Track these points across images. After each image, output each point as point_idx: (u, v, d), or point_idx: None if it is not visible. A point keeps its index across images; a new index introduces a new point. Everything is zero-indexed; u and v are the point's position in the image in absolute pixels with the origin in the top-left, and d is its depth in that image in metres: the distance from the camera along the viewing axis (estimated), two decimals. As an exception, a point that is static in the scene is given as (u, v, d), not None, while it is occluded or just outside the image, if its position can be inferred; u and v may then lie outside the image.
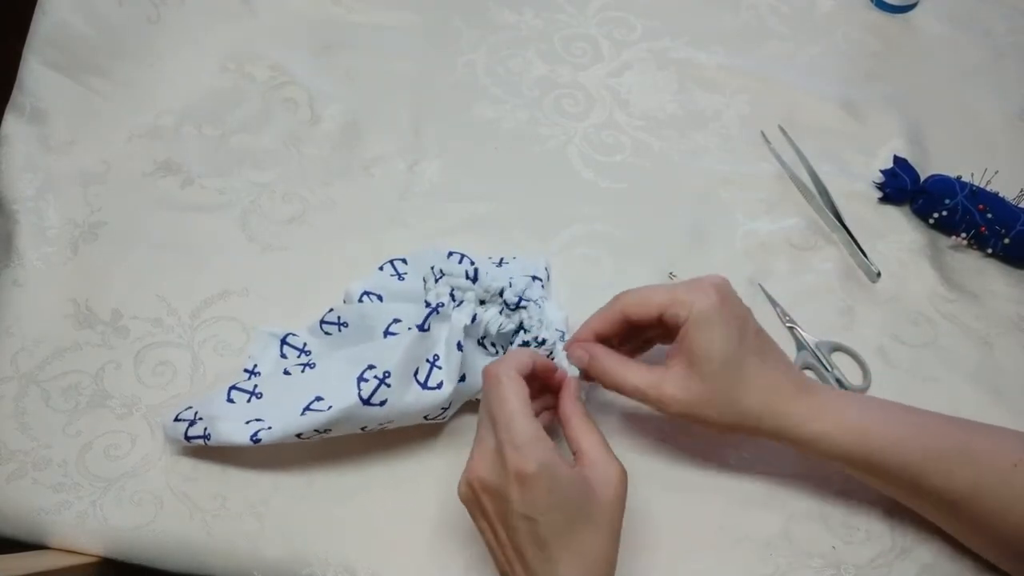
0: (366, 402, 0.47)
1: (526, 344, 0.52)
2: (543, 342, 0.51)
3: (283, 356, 0.54)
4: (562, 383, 0.48)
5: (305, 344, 0.54)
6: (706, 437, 0.55)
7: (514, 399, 0.42)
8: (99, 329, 0.56)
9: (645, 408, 0.56)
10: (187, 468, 0.52)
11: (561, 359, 0.50)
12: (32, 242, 0.58)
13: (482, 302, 0.53)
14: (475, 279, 0.53)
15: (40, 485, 0.51)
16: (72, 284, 0.58)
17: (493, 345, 0.53)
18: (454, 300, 0.52)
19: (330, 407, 0.47)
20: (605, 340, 0.50)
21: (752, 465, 0.54)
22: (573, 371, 0.49)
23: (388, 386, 0.47)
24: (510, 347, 0.53)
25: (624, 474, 0.43)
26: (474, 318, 0.51)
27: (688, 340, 0.46)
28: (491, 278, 0.54)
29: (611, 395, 0.56)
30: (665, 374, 0.47)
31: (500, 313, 0.52)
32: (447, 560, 0.50)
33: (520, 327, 0.53)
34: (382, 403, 0.47)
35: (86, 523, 0.50)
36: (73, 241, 0.59)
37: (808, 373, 0.58)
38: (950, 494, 0.46)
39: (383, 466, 0.53)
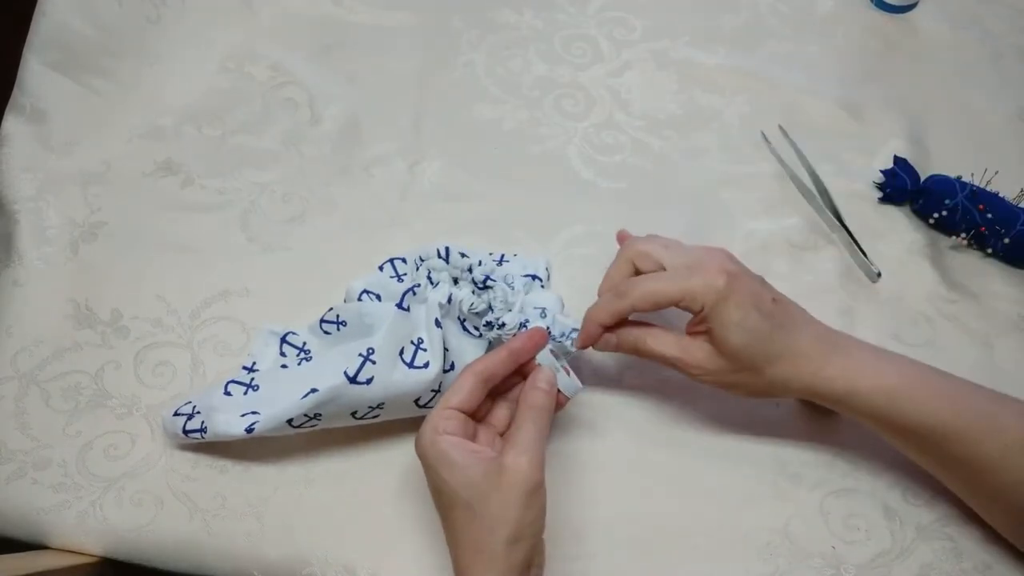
0: (352, 380, 0.47)
1: (490, 325, 0.52)
2: (503, 325, 0.51)
3: (282, 355, 0.54)
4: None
5: (305, 343, 0.54)
6: (705, 437, 0.55)
7: (448, 393, 0.46)
8: (99, 329, 0.56)
9: (645, 408, 0.56)
10: (187, 468, 0.52)
11: (541, 355, 0.50)
12: (32, 242, 0.58)
13: (456, 281, 0.54)
14: (447, 259, 0.54)
15: (40, 485, 0.51)
16: (72, 284, 0.58)
17: (476, 329, 0.53)
18: (431, 282, 0.53)
19: (316, 389, 0.47)
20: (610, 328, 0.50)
21: (752, 464, 0.54)
22: (546, 360, 0.49)
23: (373, 363, 0.48)
24: (482, 330, 0.53)
25: (524, 471, 0.42)
26: (450, 298, 0.52)
27: (707, 324, 0.47)
28: (462, 258, 0.55)
29: (612, 394, 0.56)
30: (692, 344, 0.48)
31: (472, 292, 0.53)
32: (447, 560, 0.50)
33: (489, 307, 0.53)
34: (369, 381, 0.48)
35: (86, 523, 0.50)
36: (73, 241, 0.59)
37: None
38: (976, 461, 0.46)
39: (383, 466, 0.53)
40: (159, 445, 0.52)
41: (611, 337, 0.50)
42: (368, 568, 0.50)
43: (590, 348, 0.51)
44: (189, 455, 0.52)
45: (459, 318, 0.53)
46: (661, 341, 0.49)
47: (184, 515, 0.50)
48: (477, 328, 0.53)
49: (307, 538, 0.50)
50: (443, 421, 0.45)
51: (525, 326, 0.51)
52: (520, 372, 0.49)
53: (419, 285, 0.52)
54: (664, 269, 0.49)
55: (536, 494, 0.43)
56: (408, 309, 0.50)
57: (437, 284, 0.54)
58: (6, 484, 0.51)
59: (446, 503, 0.44)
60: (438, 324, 0.50)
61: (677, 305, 0.47)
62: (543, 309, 0.53)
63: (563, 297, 0.59)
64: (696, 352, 0.48)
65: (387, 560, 0.50)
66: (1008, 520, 0.48)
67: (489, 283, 0.53)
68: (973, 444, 0.46)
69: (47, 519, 0.50)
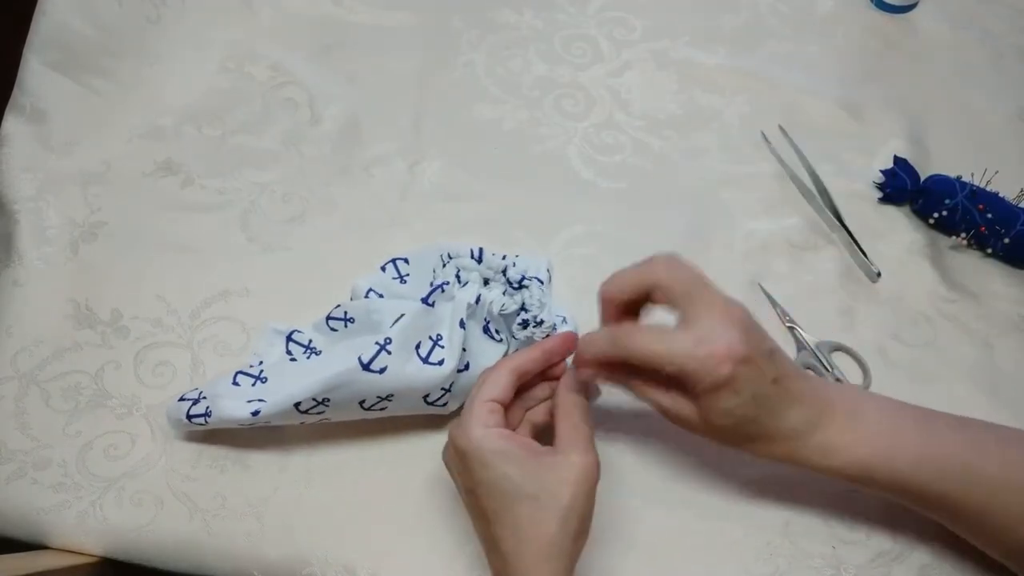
0: (366, 367, 0.47)
1: (525, 324, 0.52)
2: (541, 323, 0.51)
3: (288, 352, 0.54)
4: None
5: (311, 340, 0.54)
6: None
7: (486, 386, 0.46)
8: (99, 329, 0.56)
9: (646, 409, 0.56)
10: (187, 468, 0.52)
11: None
12: (32, 242, 0.58)
13: (486, 282, 0.53)
14: (480, 260, 0.54)
15: (40, 485, 0.51)
16: (72, 284, 0.58)
17: (498, 332, 0.53)
18: (459, 281, 0.53)
19: (328, 373, 0.47)
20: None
21: (752, 465, 0.54)
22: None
23: (388, 353, 0.48)
24: (515, 329, 0.53)
25: (590, 464, 0.43)
26: (479, 299, 0.51)
27: (697, 400, 0.44)
28: (496, 258, 0.54)
29: (614, 395, 0.56)
30: (681, 400, 0.45)
31: (503, 293, 0.53)
32: (447, 560, 0.50)
33: (522, 307, 0.53)
34: (382, 370, 0.47)
35: (86, 523, 0.50)
36: (73, 241, 0.59)
37: (808, 373, 0.58)
38: (966, 512, 0.46)
39: (384, 466, 0.53)
40: (159, 445, 0.52)
41: (602, 372, 0.48)
42: (368, 568, 0.50)
43: None
44: (189, 455, 0.52)
45: (485, 319, 0.53)
46: (652, 386, 0.46)
47: (184, 515, 0.50)
48: (499, 331, 0.53)
49: (307, 538, 0.50)
50: (489, 415, 0.44)
51: (555, 329, 0.52)
52: (544, 374, 0.49)
53: (448, 283, 0.52)
54: (675, 313, 0.45)
55: (595, 490, 0.43)
56: (433, 305, 0.50)
57: (466, 284, 0.53)
58: (6, 484, 0.51)
59: (504, 498, 0.42)
60: (463, 324, 0.50)
61: (674, 374, 0.44)
62: (564, 318, 0.53)
63: (563, 297, 0.59)
64: (684, 410, 0.45)
65: (387, 560, 0.50)
66: (1010, 560, 0.48)
67: (525, 283, 0.53)
68: (960, 498, 0.46)
69: (47, 519, 0.50)
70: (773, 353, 0.45)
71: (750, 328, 0.44)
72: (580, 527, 0.42)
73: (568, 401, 0.46)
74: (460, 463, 0.44)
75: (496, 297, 0.52)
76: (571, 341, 0.49)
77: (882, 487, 0.47)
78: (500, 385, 0.46)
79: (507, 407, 0.48)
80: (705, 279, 0.46)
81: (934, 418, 0.48)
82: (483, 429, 0.44)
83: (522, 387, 0.49)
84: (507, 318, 0.53)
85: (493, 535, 0.43)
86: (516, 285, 0.53)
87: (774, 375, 0.44)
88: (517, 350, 0.52)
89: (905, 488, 0.46)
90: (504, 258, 0.59)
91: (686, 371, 0.43)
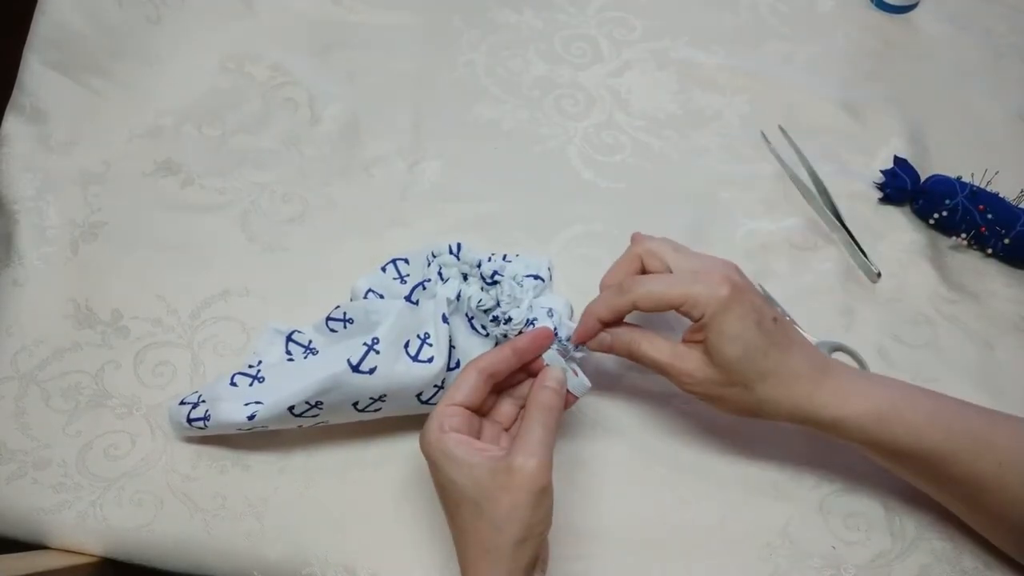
0: (355, 368, 0.47)
1: (496, 320, 0.52)
2: (509, 319, 0.51)
3: (288, 352, 0.54)
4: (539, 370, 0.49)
5: (311, 341, 0.54)
6: (706, 437, 0.55)
7: (451, 390, 0.46)
8: (99, 329, 0.56)
9: (647, 409, 0.56)
10: (187, 468, 0.52)
11: (548, 355, 0.49)
12: (32, 242, 0.58)
13: (465, 277, 0.54)
14: (458, 255, 0.54)
15: (40, 485, 0.51)
16: (72, 284, 0.58)
17: (484, 328, 0.53)
18: (442, 278, 0.53)
19: (319, 376, 0.47)
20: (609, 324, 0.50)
21: (752, 464, 0.54)
22: (553, 360, 0.49)
23: (377, 352, 0.48)
24: (488, 325, 0.53)
25: (532, 469, 0.42)
26: (459, 295, 0.52)
27: (704, 333, 0.46)
28: (472, 253, 0.54)
29: (615, 395, 0.56)
30: (685, 352, 0.47)
31: (481, 289, 0.53)
32: (447, 560, 0.50)
33: (498, 303, 0.53)
34: (372, 370, 0.48)
35: (86, 523, 0.50)
36: (73, 241, 0.59)
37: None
38: (972, 482, 0.46)
39: (383, 466, 0.53)
40: (159, 445, 0.52)
41: (606, 336, 0.49)
42: (368, 568, 0.50)
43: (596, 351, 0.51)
44: (189, 455, 0.52)
45: (467, 315, 0.53)
46: (655, 346, 0.48)
47: (184, 515, 0.50)
48: (484, 327, 0.53)
49: (307, 538, 0.50)
50: (448, 418, 0.45)
51: (532, 324, 0.51)
52: (526, 370, 0.49)
53: (429, 280, 0.52)
54: (670, 271, 0.48)
55: (544, 495, 0.43)
56: (417, 303, 0.51)
57: (447, 280, 0.53)
58: (6, 484, 0.51)
59: (452, 501, 0.44)
60: (445, 320, 0.50)
61: (677, 310, 0.47)
62: (550, 309, 0.53)
63: (562, 295, 0.59)
64: (688, 360, 0.47)
65: (387, 560, 0.50)
66: (1010, 538, 0.48)
67: (497, 278, 0.53)
68: (967, 465, 0.46)
69: (47, 519, 0.50)
70: (768, 301, 0.48)
71: (741, 272, 0.48)
72: (522, 534, 0.42)
73: (533, 401, 0.46)
74: (427, 463, 0.45)
75: (474, 292, 0.52)
76: (543, 337, 0.49)
77: (894, 447, 0.46)
78: (464, 388, 0.46)
79: (496, 404, 0.49)
80: (686, 247, 0.50)
81: (941, 394, 0.49)
82: (437, 433, 0.44)
83: (505, 384, 0.49)
84: (487, 312, 0.53)
85: (452, 533, 0.45)
86: (489, 280, 0.53)
87: (773, 315, 0.47)
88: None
89: (917, 448, 0.46)
90: (504, 256, 0.59)
91: (691, 298, 0.45)
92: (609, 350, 0.50)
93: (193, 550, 0.50)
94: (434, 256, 0.55)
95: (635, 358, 0.49)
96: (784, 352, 0.46)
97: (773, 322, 0.47)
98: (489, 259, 0.54)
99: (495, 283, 0.53)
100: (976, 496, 0.47)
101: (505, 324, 0.51)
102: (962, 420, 0.46)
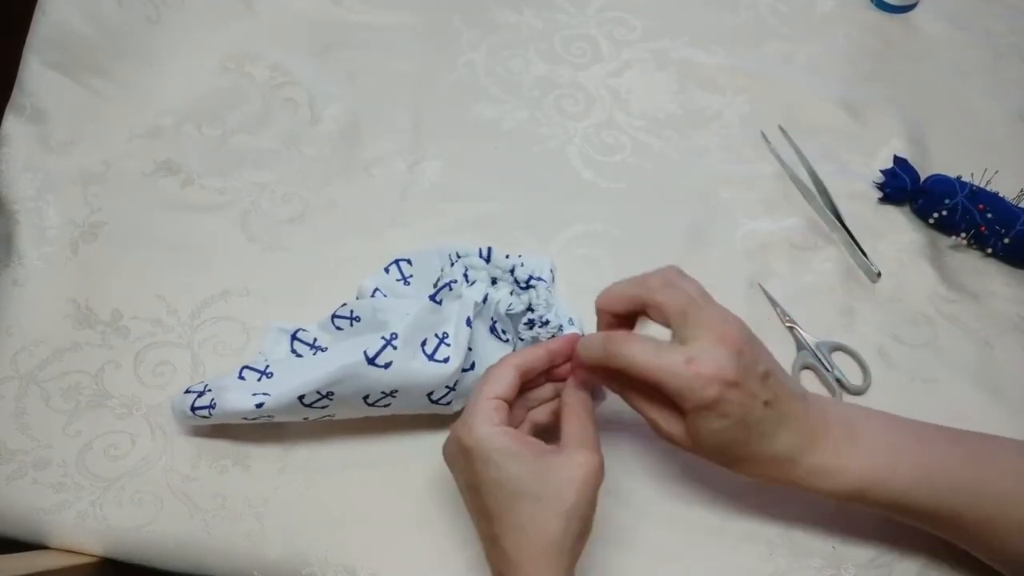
0: (371, 361, 0.47)
1: (531, 324, 0.52)
2: (546, 323, 0.51)
3: (294, 351, 0.54)
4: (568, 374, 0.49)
5: (316, 339, 0.54)
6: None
7: (491, 383, 0.45)
8: (99, 329, 0.56)
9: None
10: (187, 468, 0.52)
11: None
12: (32, 242, 0.58)
13: (494, 281, 0.53)
14: (488, 259, 0.54)
15: (40, 485, 0.51)
16: (72, 284, 0.58)
17: (505, 332, 0.53)
18: (467, 280, 0.53)
19: (334, 366, 0.47)
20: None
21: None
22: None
23: (394, 348, 0.48)
24: (521, 329, 0.53)
25: (595, 464, 0.43)
26: (486, 298, 0.51)
27: (687, 420, 0.44)
28: (503, 257, 0.54)
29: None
30: (671, 416, 0.45)
31: (511, 293, 0.53)
32: (447, 560, 0.50)
33: (529, 307, 0.53)
34: (387, 365, 0.47)
35: (86, 523, 0.50)
36: (73, 241, 0.59)
37: (808, 373, 0.58)
38: (966, 529, 0.46)
39: (385, 466, 0.53)
40: (159, 445, 0.52)
41: (597, 377, 0.48)
42: (368, 568, 0.50)
43: None
44: (189, 455, 0.52)
45: (491, 319, 0.53)
46: (644, 399, 0.46)
47: (184, 515, 0.50)
48: (506, 332, 0.53)
49: (307, 538, 0.50)
50: (494, 412, 0.44)
51: (561, 330, 0.52)
52: (547, 374, 0.49)
53: (455, 281, 0.52)
54: (669, 328, 0.45)
55: (598, 490, 0.43)
56: (440, 303, 0.50)
57: (473, 283, 0.53)
58: (6, 484, 0.51)
59: (505, 497, 0.42)
60: (469, 323, 0.50)
61: (663, 389, 0.43)
62: (571, 318, 0.53)
63: (563, 297, 0.59)
64: (673, 427, 0.45)
65: (387, 560, 0.50)
66: (1015, 572, 0.48)
67: (532, 283, 0.53)
68: (958, 517, 0.46)
69: (47, 519, 0.50)
70: (768, 376, 0.44)
71: (745, 350, 0.43)
72: (582, 527, 0.42)
73: (575, 400, 0.46)
74: (463, 460, 0.44)
75: (503, 297, 0.52)
76: (576, 343, 0.49)
77: (878, 506, 0.47)
78: (505, 382, 0.45)
79: (510, 406, 0.48)
80: (703, 297, 0.45)
81: (932, 434, 0.48)
82: (488, 426, 0.43)
83: (525, 386, 0.49)
84: (513, 318, 0.53)
85: (494, 533, 0.43)
86: (524, 285, 0.53)
87: (766, 398, 0.43)
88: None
89: (903, 506, 0.46)
90: (507, 257, 0.59)
91: (673, 388, 0.42)
92: (602, 383, 0.48)
93: (193, 550, 0.50)
94: (459, 257, 0.54)
95: (626, 401, 0.47)
96: (767, 439, 0.44)
97: (764, 407, 0.43)
98: (522, 264, 0.54)
99: (529, 287, 0.53)
100: (973, 539, 0.47)
101: (540, 327, 0.51)
102: (945, 476, 0.46)
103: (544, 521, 0.42)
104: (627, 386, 0.46)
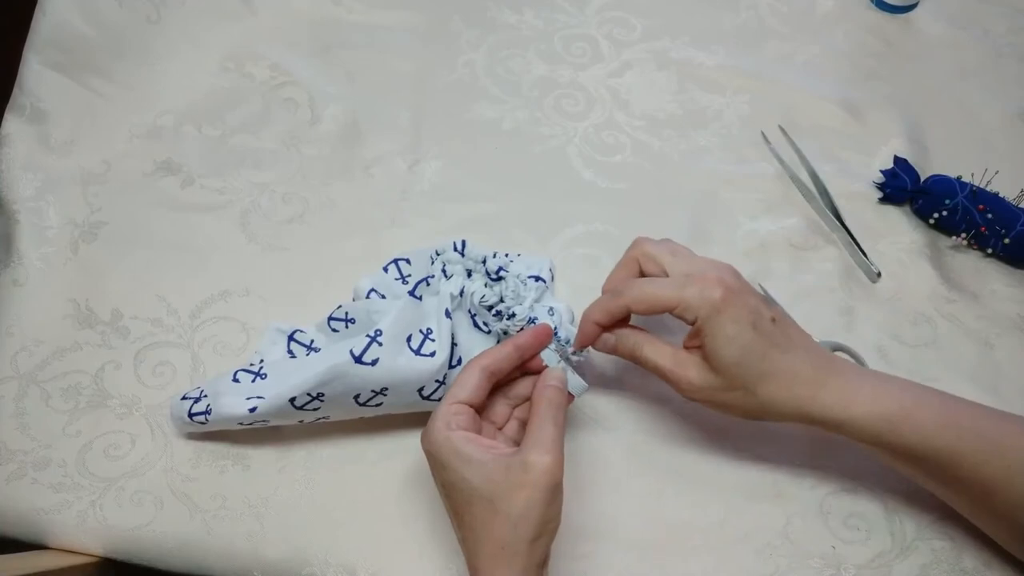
0: (358, 359, 0.47)
1: (499, 315, 0.52)
2: (513, 315, 0.51)
3: (290, 352, 0.54)
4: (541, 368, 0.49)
5: (312, 341, 0.54)
6: (706, 437, 0.55)
7: (454, 387, 0.46)
8: (99, 329, 0.56)
9: (647, 408, 0.56)
10: (187, 468, 0.52)
11: (547, 356, 0.50)
12: (32, 242, 0.58)
13: (469, 274, 0.54)
14: (463, 252, 0.54)
15: (40, 485, 0.51)
16: (72, 284, 0.58)
17: (486, 324, 0.53)
18: (445, 275, 0.53)
19: (321, 367, 0.47)
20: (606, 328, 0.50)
21: (752, 464, 0.54)
22: (552, 361, 0.49)
23: (380, 344, 0.48)
24: (491, 321, 0.53)
25: (548, 465, 0.42)
26: (463, 291, 0.52)
27: (700, 338, 0.46)
28: (477, 250, 0.55)
29: (615, 393, 0.56)
30: (686, 358, 0.47)
31: (485, 285, 0.53)
32: (447, 560, 0.50)
33: (500, 299, 0.53)
34: (374, 362, 0.48)
35: (86, 523, 0.50)
36: (73, 241, 0.59)
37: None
38: (980, 484, 0.46)
39: (383, 466, 0.53)
40: (159, 445, 0.52)
41: (610, 337, 0.49)
42: (368, 568, 0.50)
43: (594, 352, 0.51)
44: (189, 455, 0.52)
45: (470, 312, 0.53)
46: (657, 351, 0.48)
47: (184, 515, 0.50)
48: (487, 323, 0.53)
49: (307, 538, 0.50)
50: (453, 416, 0.45)
51: (533, 322, 0.51)
52: (523, 369, 0.49)
53: (432, 276, 0.52)
54: (667, 274, 0.48)
55: (558, 492, 0.43)
56: (420, 299, 0.51)
57: (451, 276, 0.54)
58: (6, 484, 0.51)
59: (462, 500, 0.43)
60: (448, 315, 0.50)
61: (672, 313, 0.46)
62: (551, 308, 0.53)
63: (563, 297, 0.59)
64: (689, 367, 0.47)
65: (387, 560, 0.50)
66: (1014, 538, 0.48)
67: (502, 274, 0.53)
68: (976, 467, 0.45)
69: (47, 519, 0.50)
70: (767, 300, 0.47)
71: (738, 274, 0.47)
72: (537, 531, 0.42)
73: (539, 398, 0.46)
74: (429, 464, 0.45)
75: (478, 288, 0.52)
76: (543, 335, 0.49)
77: (898, 449, 0.46)
78: (469, 386, 0.46)
79: (489, 404, 0.49)
80: (687, 248, 0.49)
81: (949, 394, 0.48)
82: (445, 431, 0.44)
83: (505, 382, 0.49)
84: (490, 308, 0.53)
85: (460, 534, 0.45)
86: (494, 276, 0.53)
87: (772, 314, 0.46)
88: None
89: (922, 451, 0.45)
90: (507, 256, 0.59)
91: (684, 302, 0.45)
92: (613, 351, 0.50)
93: (193, 550, 0.50)
94: (438, 254, 0.55)
95: (638, 362, 0.49)
96: (784, 352, 0.46)
97: (772, 322, 0.46)
98: (494, 255, 0.54)
99: (500, 279, 0.53)
100: (983, 498, 0.46)
101: (508, 320, 0.51)
102: (971, 421, 0.46)
103: (495, 525, 0.42)
104: (642, 343, 0.48)
